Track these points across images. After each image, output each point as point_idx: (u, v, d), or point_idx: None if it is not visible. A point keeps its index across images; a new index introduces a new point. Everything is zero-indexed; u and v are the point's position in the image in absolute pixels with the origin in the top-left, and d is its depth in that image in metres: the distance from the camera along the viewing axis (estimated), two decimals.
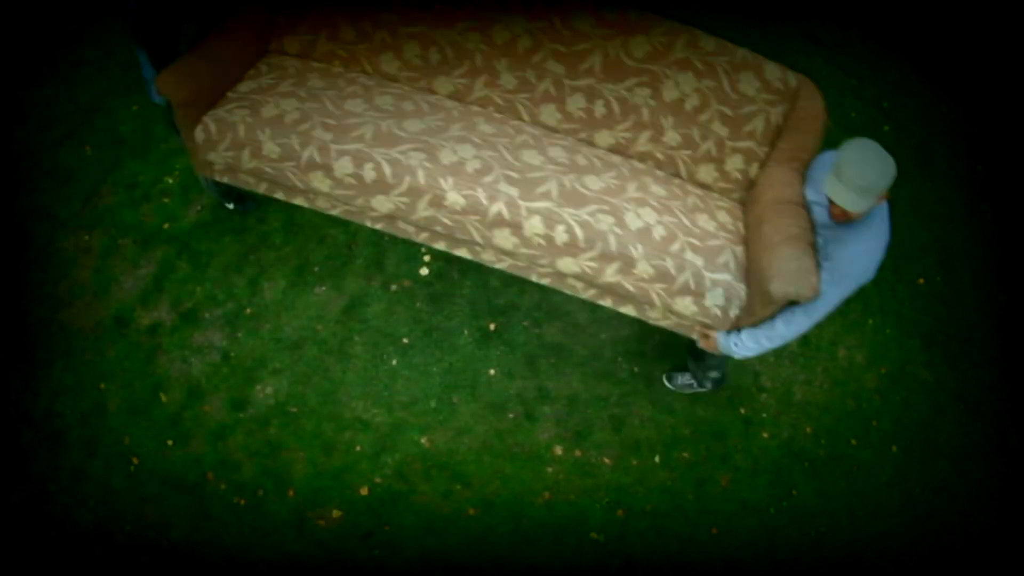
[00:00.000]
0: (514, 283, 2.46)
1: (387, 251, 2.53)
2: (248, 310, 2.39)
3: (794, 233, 1.67)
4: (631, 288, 1.84)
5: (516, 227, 1.80)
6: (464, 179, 1.83)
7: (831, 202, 1.59)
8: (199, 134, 1.96)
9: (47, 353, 2.30)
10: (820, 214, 1.72)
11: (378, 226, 2.06)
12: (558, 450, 2.22)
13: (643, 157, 2.08)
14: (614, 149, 2.09)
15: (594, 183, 1.90)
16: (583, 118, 2.07)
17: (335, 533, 2.04)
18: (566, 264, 1.84)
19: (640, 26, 1.96)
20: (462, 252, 1.99)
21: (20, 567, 1.98)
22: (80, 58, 3.15)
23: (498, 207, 1.80)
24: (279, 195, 2.11)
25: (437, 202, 1.84)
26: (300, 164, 1.90)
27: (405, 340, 2.36)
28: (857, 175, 1.46)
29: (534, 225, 1.79)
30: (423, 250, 2.52)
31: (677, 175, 2.09)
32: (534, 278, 1.97)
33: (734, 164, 2.01)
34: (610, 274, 1.82)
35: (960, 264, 2.94)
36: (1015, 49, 3.62)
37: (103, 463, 2.13)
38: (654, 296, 1.83)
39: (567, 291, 1.98)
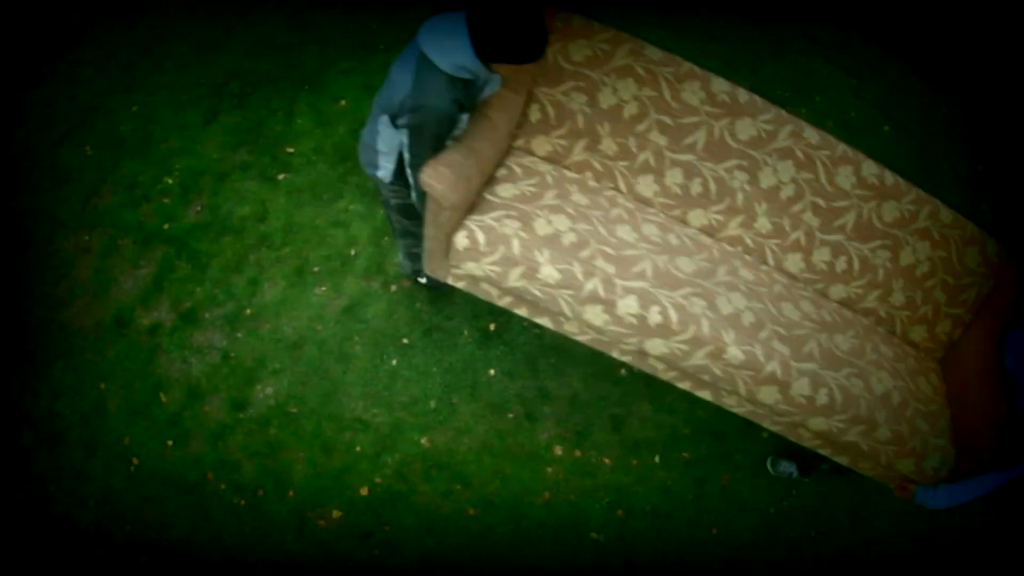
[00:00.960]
0: None
1: (387, 252, 2.53)
2: (248, 310, 2.39)
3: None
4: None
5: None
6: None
7: None
8: (461, 241, 1.69)
9: (47, 353, 2.30)
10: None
11: (625, 358, 1.90)
12: (558, 450, 2.22)
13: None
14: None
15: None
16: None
17: (335, 533, 2.04)
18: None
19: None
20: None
21: (20, 567, 1.98)
22: (80, 58, 3.15)
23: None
24: (522, 311, 1.88)
25: (717, 354, 1.74)
26: (580, 295, 1.71)
27: (405, 340, 2.36)
28: None
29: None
30: None
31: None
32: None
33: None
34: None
35: None
36: (1015, 49, 3.62)
37: (103, 463, 2.13)
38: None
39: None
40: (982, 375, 1.93)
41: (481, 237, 1.69)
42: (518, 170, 1.91)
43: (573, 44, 1.84)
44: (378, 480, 2.12)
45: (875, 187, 1.95)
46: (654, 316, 1.73)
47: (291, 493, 2.09)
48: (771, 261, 2.04)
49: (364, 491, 2.10)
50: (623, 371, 2.39)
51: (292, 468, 2.13)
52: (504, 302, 1.87)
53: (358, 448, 2.16)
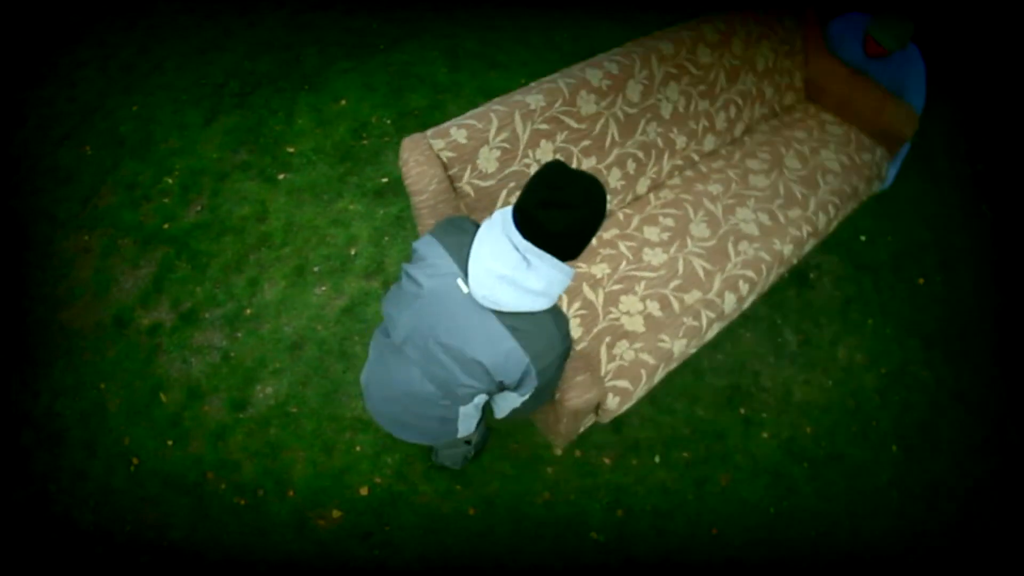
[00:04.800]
0: None
1: (387, 251, 2.53)
2: (248, 310, 2.39)
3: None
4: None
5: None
6: None
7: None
8: (612, 402, 1.74)
9: (47, 353, 2.30)
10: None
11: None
12: (558, 450, 2.21)
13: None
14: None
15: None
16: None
17: (335, 533, 2.04)
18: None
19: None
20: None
21: (20, 567, 1.98)
22: (80, 58, 3.15)
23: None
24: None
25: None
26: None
27: None
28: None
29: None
30: None
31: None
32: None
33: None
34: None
35: (960, 264, 2.94)
36: (1015, 49, 3.62)
37: (103, 463, 2.13)
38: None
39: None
40: (843, 81, 2.57)
41: (623, 383, 1.76)
42: None
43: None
44: (378, 480, 2.12)
45: (717, 43, 2.29)
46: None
47: (291, 493, 2.09)
48: (696, 158, 2.38)
49: (364, 491, 2.10)
50: None
51: (292, 468, 2.13)
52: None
53: (358, 448, 2.16)
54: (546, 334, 1.14)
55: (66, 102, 2.94)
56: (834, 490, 2.29)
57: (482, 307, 1.13)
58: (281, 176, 2.72)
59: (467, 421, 1.37)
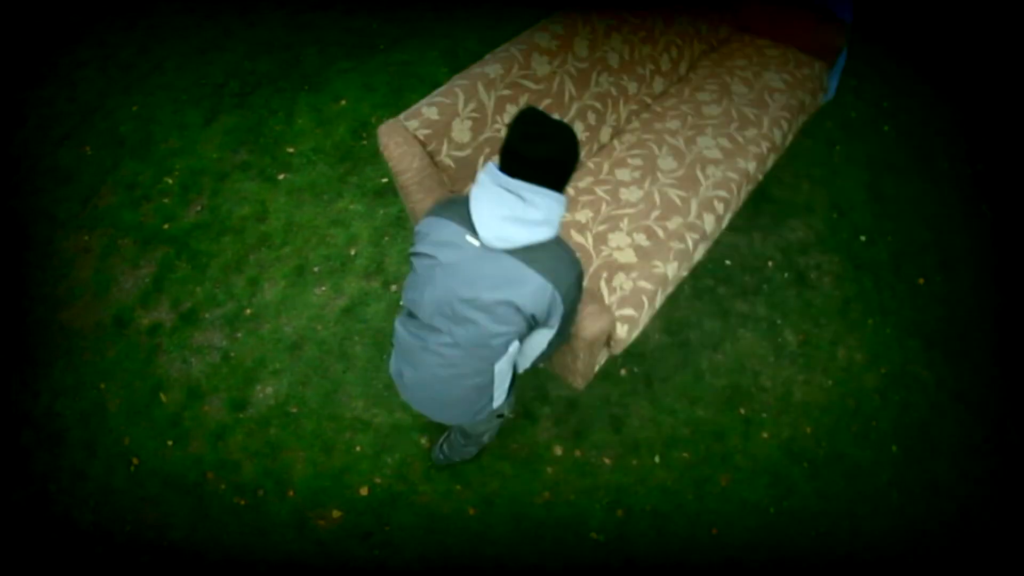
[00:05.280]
0: None
1: (387, 251, 2.53)
2: (248, 310, 2.39)
3: None
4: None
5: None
6: None
7: None
8: (622, 330, 1.85)
9: (47, 353, 2.30)
10: None
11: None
12: (558, 450, 2.21)
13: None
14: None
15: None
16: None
17: (335, 533, 2.04)
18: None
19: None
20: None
21: (20, 567, 1.98)
22: (80, 58, 3.15)
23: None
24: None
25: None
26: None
27: None
28: None
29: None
30: None
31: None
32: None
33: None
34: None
35: (960, 264, 2.94)
36: (1015, 49, 3.62)
37: (103, 463, 2.13)
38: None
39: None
40: (772, 7, 2.74)
41: (628, 311, 1.85)
42: None
43: None
44: (378, 480, 2.12)
45: None
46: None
47: (291, 493, 2.09)
48: (649, 100, 2.50)
49: (364, 491, 2.10)
50: (623, 371, 2.39)
51: (292, 468, 2.13)
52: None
53: (358, 448, 2.16)
54: (559, 259, 1.25)
55: (66, 102, 2.94)
56: (834, 490, 2.29)
57: (495, 252, 1.22)
58: (281, 176, 2.72)
59: (502, 382, 1.43)
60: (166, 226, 2.56)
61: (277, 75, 3.10)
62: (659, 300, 1.96)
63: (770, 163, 2.45)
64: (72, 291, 2.42)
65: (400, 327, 1.43)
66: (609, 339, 1.84)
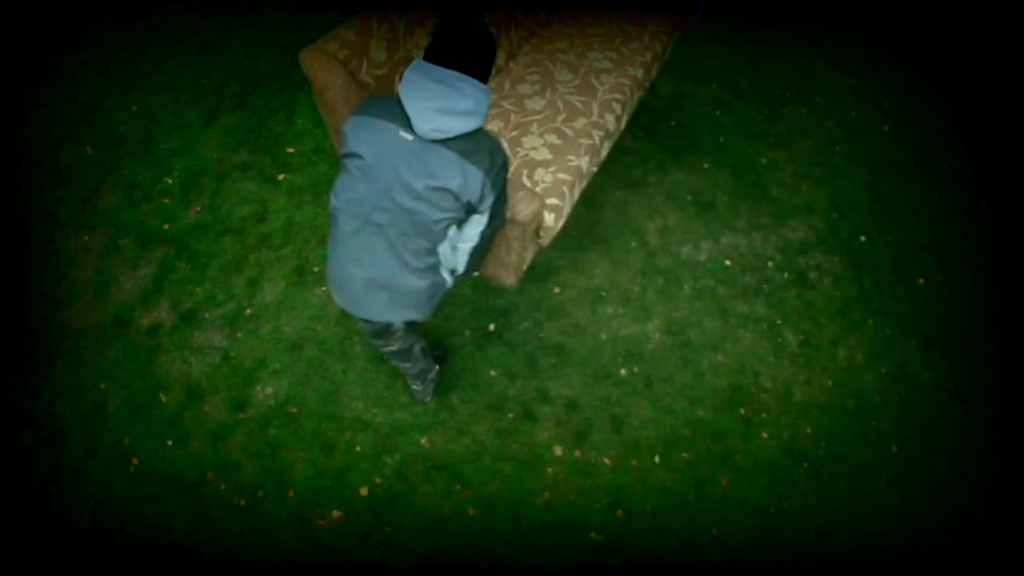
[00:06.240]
0: None
1: None
2: (248, 310, 2.39)
3: None
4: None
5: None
6: None
7: None
8: (549, 218, 2.06)
9: (47, 353, 2.30)
10: None
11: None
12: (558, 450, 2.21)
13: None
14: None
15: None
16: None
17: (335, 533, 2.04)
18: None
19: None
20: None
21: (20, 567, 1.98)
22: (80, 58, 3.15)
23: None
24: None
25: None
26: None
27: None
28: None
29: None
30: None
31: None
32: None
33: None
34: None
35: (960, 264, 2.94)
36: (1015, 49, 3.62)
37: (103, 463, 2.13)
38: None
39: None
40: None
41: (553, 200, 2.00)
42: None
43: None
44: (378, 480, 2.12)
45: None
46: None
47: (291, 493, 2.09)
48: (537, 28, 2.65)
49: (364, 491, 2.10)
50: (623, 371, 2.39)
51: (292, 468, 2.13)
52: None
53: (358, 448, 2.16)
54: (486, 148, 1.35)
55: (66, 102, 2.94)
56: (834, 490, 2.29)
57: (429, 144, 1.31)
58: (281, 176, 2.72)
59: (451, 260, 1.54)
60: (166, 226, 2.56)
61: (277, 75, 3.10)
62: (576, 191, 2.17)
63: (655, 72, 2.65)
64: (72, 291, 2.42)
65: (333, 234, 1.47)
66: (539, 229, 2.00)
